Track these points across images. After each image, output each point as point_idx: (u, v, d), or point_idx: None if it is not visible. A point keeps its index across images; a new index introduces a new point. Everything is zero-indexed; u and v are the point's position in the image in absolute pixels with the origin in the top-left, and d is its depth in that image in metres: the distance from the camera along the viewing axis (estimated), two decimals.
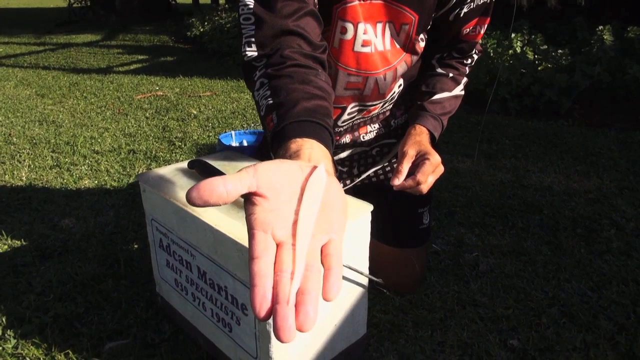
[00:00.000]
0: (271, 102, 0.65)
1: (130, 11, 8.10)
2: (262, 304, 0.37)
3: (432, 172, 0.90)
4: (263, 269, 0.38)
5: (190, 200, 0.40)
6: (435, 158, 0.91)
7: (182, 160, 1.27)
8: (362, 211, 0.85)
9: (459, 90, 1.07)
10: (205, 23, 5.55)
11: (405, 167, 0.91)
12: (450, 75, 1.05)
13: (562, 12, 3.56)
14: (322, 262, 0.41)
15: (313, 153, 0.54)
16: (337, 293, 0.39)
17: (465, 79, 1.07)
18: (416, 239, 1.15)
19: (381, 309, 1.12)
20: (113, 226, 1.50)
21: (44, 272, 1.26)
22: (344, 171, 1.15)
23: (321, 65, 0.73)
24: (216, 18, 5.51)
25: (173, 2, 9.23)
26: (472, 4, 0.94)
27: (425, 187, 0.90)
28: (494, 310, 1.12)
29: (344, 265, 0.83)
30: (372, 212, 0.86)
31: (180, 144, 2.27)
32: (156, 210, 0.98)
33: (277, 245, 0.41)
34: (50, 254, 1.35)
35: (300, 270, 0.39)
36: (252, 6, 0.74)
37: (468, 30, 0.98)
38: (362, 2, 0.89)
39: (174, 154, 2.14)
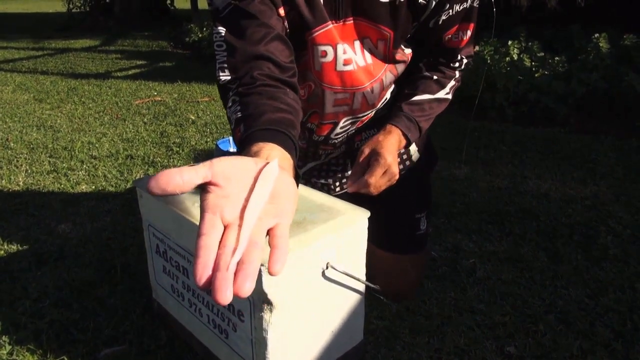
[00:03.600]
0: (240, 115, 0.71)
1: (129, 16, 8.11)
2: (203, 273, 0.40)
3: (382, 174, 0.89)
4: (208, 243, 0.42)
5: (149, 189, 0.43)
6: (384, 159, 0.89)
7: (179, 166, 1.27)
8: (358, 218, 0.85)
9: (443, 94, 1.02)
10: (204, 29, 5.56)
11: (357, 167, 0.92)
12: (435, 77, 1.02)
13: (560, 16, 3.59)
14: (269, 243, 0.45)
15: (272, 154, 0.58)
16: (281, 268, 0.43)
17: (452, 83, 1.04)
18: (413, 245, 1.15)
19: (378, 316, 1.12)
20: (110, 232, 1.50)
21: (40, 278, 1.26)
22: (338, 170, 1.15)
23: (289, 87, 0.78)
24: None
25: (172, 7, 9.26)
26: (451, 10, 0.92)
27: (373, 189, 0.89)
28: (490, 317, 1.12)
29: (341, 272, 0.83)
30: (369, 219, 0.86)
31: (178, 149, 2.27)
32: (153, 216, 0.98)
33: (225, 227, 0.44)
34: (47, 260, 1.35)
35: (242, 246, 0.42)
36: (223, 34, 0.80)
37: (450, 36, 0.97)
38: (336, 24, 0.91)
39: (171, 160, 2.14)
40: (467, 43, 0.99)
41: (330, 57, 0.93)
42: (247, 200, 0.46)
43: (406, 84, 1.04)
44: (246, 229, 0.44)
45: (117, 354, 1.01)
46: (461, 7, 0.93)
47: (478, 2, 0.95)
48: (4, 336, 1.05)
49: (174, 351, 1.01)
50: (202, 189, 0.46)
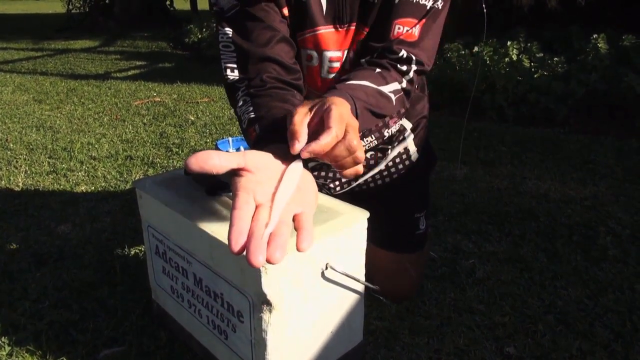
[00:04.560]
0: (253, 116, 0.74)
1: (129, 17, 8.12)
2: (238, 239, 0.44)
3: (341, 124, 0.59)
4: (242, 214, 0.46)
5: (188, 165, 0.47)
6: (343, 106, 0.61)
7: (179, 167, 1.27)
8: (358, 218, 0.85)
9: (387, 90, 0.82)
10: (204, 29, 5.56)
11: (299, 119, 0.59)
12: (377, 70, 0.84)
13: (560, 16, 3.58)
14: (295, 227, 0.50)
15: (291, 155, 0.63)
16: (308, 247, 0.47)
17: (396, 85, 0.84)
18: (412, 245, 1.16)
19: (378, 316, 1.12)
20: (109, 233, 1.50)
21: (39, 279, 1.26)
22: (337, 171, 1.15)
23: (296, 89, 0.82)
24: (215, 24, 5.51)
25: (171, 8, 9.26)
26: None
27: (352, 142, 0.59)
28: (490, 317, 1.12)
29: (341, 273, 0.83)
30: (368, 219, 0.86)
31: (177, 150, 2.27)
32: (152, 216, 0.98)
33: (256, 207, 0.48)
34: (46, 261, 1.34)
35: (274, 221, 0.47)
36: (230, 35, 0.83)
37: (401, 28, 0.85)
38: (339, 29, 0.89)
39: (171, 160, 2.14)
40: (417, 42, 0.85)
41: (315, 62, 0.93)
42: (276, 188, 0.51)
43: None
44: (277, 209, 0.49)
45: (117, 354, 1.01)
46: (422, 1, 0.84)
47: (445, 6, 0.86)
48: (3, 337, 1.05)
49: (173, 352, 1.01)
50: (234, 174, 0.51)
